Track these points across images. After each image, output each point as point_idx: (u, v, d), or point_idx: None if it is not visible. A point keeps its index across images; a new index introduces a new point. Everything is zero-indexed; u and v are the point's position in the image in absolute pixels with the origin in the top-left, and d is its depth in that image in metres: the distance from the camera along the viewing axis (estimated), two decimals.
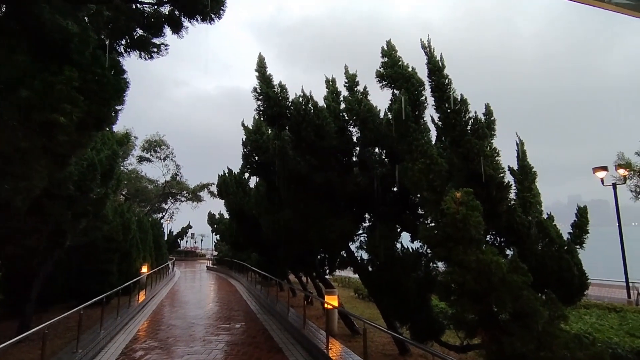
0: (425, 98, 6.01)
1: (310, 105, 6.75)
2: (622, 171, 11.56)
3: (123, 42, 4.60)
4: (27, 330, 5.97)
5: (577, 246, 5.65)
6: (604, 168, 14.42)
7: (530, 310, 4.35)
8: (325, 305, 8.37)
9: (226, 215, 22.54)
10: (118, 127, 28.30)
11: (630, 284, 13.33)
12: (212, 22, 4.71)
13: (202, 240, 64.07)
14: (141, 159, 36.80)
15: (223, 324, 10.66)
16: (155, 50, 4.71)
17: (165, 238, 33.99)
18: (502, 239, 5.80)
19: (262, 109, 6.77)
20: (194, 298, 16.26)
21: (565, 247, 5.49)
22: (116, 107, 4.26)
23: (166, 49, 4.79)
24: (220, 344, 8.44)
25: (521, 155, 5.98)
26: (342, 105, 7.53)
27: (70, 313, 6.84)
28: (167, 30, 4.81)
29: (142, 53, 4.65)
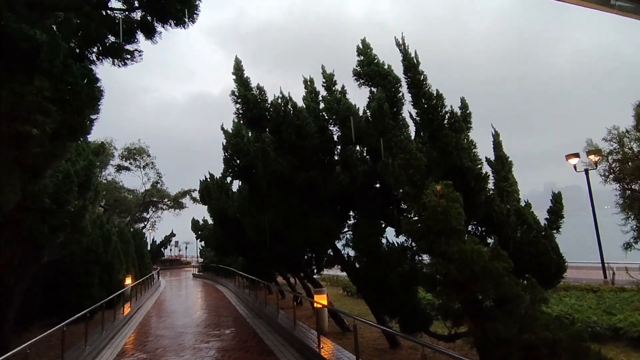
0: (403, 95, 6.13)
1: (289, 106, 6.77)
2: (593, 157, 12.03)
3: (95, 49, 4.47)
4: (6, 351, 5.74)
5: (554, 231, 5.87)
6: (576, 155, 14.98)
7: (512, 295, 4.49)
8: (315, 304, 8.39)
9: (210, 221, 22.28)
10: (97, 137, 27.56)
11: (606, 265, 13.88)
12: (185, 26, 4.65)
13: (186, 247, 62.97)
14: (120, 168, 35.89)
15: (212, 330, 10.55)
16: (128, 57, 4.60)
17: (149, 248, 33.29)
18: (482, 229, 5.97)
19: (241, 111, 6.74)
20: (181, 307, 16.01)
21: (543, 233, 5.69)
22: (91, 116, 4.16)
23: (140, 55, 4.69)
24: (211, 350, 8.35)
25: (497, 146, 6.17)
26: (322, 105, 7.58)
27: (52, 331, 6.63)
28: (140, 36, 4.72)
29: (116, 60, 4.53)
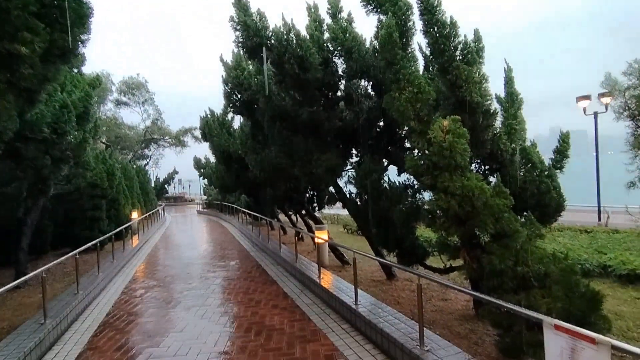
0: (413, 23, 5.73)
1: (292, 35, 6.37)
2: (605, 99, 11.63)
3: None
4: (23, 277, 6.05)
5: (558, 170, 5.85)
6: (587, 97, 14.52)
7: (511, 230, 4.58)
8: (316, 239, 8.68)
9: (212, 159, 22.35)
10: (94, 69, 26.71)
11: (602, 208, 14.13)
12: None
13: (190, 185, 64.21)
14: (118, 103, 35.26)
15: (218, 262, 11.05)
16: None
17: (153, 184, 33.89)
18: (486, 167, 5.94)
19: (240, 40, 6.35)
20: (188, 240, 16.65)
21: (546, 172, 5.68)
22: (81, 37, 3.92)
23: None
24: (217, 279, 8.82)
25: (509, 82, 5.91)
26: (326, 35, 7.14)
27: (65, 258, 6.93)
28: None
29: None
